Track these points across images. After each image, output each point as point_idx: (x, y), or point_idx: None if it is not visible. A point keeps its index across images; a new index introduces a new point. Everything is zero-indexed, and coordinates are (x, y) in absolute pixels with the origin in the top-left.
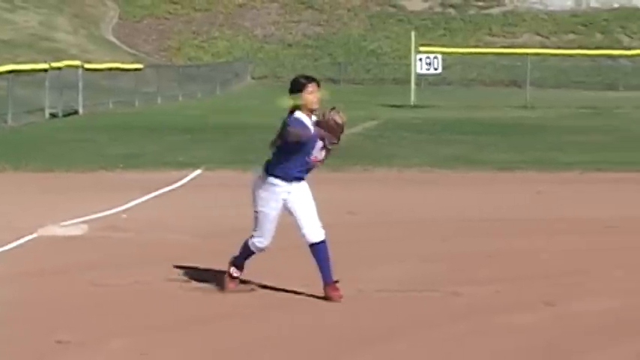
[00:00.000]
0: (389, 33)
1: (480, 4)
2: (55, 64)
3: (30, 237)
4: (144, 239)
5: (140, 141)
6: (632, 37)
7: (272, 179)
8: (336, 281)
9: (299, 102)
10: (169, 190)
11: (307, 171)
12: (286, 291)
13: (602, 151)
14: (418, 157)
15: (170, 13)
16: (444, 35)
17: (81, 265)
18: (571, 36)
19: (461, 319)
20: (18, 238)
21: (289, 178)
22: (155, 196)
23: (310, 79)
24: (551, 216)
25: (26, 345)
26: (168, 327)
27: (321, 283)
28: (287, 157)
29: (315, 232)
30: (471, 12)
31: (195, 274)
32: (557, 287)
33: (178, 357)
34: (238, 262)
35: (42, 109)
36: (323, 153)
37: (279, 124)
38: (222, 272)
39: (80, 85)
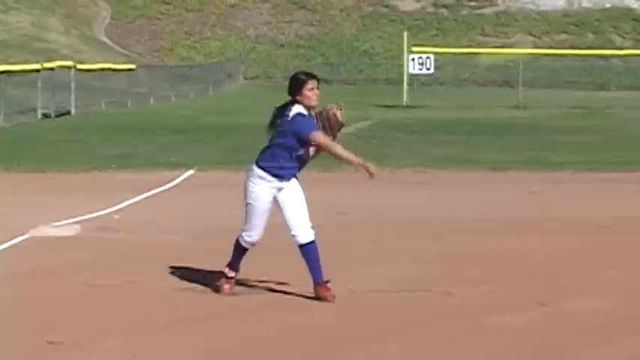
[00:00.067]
0: (381, 33)
1: (473, 4)
2: (47, 65)
3: (22, 237)
4: (136, 240)
5: (132, 141)
6: (624, 37)
7: (263, 173)
8: (327, 281)
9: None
10: (162, 191)
11: (299, 167)
12: (278, 291)
13: (593, 151)
14: (411, 158)
15: (162, 13)
16: (437, 35)
17: (73, 265)
18: (563, 36)
19: (453, 319)
20: (10, 239)
21: (281, 173)
22: (147, 197)
23: (310, 76)
24: (543, 216)
25: (18, 346)
26: (161, 327)
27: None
28: (280, 151)
29: (305, 233)
30: (464, 12)
31: (188, 274)
32: (549, 287)
33: (170, 357)
34: (233, 262)
35: (34, 110)
36: (314, 148)
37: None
38: (215, 272)
39: (72, 85)
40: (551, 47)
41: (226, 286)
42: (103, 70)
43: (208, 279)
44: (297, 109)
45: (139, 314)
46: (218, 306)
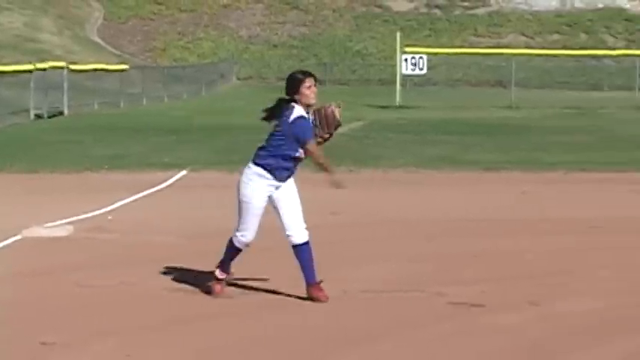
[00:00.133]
0: (374, 34)
1: (465, 4)
2: (39, 65)
3: (15, 238)
4: (129, 240)
5: (125, 142)
6: (616, 38)
7: (262, 171)
8: (320, 281)
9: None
10: (155, 191)
11: (295, 166)
12: (271, 291)
13: (586, 152)
14: (403, 158)
15: (155, 13)
16: (430, 36)
17: (66, 266)
18: (555, 36)
19: (446, 319)
20: (3, 240)
21: (279, 173)
22: (140, 197)
23: (307, 74)
24: (535, 216)
25: (11, 346)
26: (154, 327)
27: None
28: (278, 151)
29: (299, 234)
30: (457, 12)
31: (181, 275)
32: (541, 287)
33: (163, 357)
34: (224, 263)
35: (27, 110)
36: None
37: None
38: (208, 273)
39: (65, 86)
40: (543, 47)
41: (217, 287)
42: (95, 70)
43: (201, 279)
44: (298, 111)
45: (131, 315)
46: (211, 306)
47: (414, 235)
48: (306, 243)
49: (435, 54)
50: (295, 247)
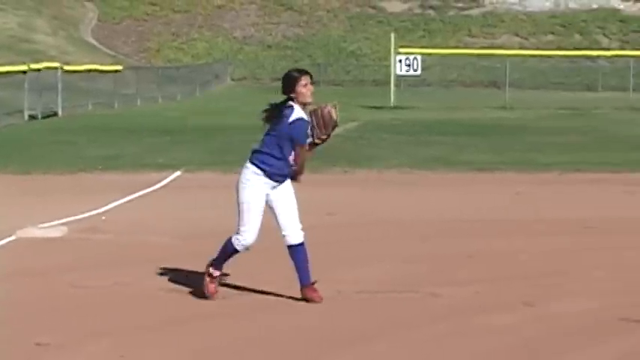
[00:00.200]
0: (368, 34)
1: (460, 5)
2: (33, 66)
3: (9, 239)
4: (123, 241)
5: (119, 143)
6: (610, 38)
7: (259, 171)
8: (314, 282)
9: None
10: (149, 192)
11: (290, 166)
12: (266, 292)
13: (580, 152)
14: (398, 159)
15: (149, 14)
16: (424, 36)
17: (60, 266)
18: (550, 37)
19: (440, 319)
20: None
21: (275, 174)
22: (135, 198)
23: (303, 72)
24: (530, 217)
25: (5, 347)
26: (148, 328)
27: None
28: (274, 152)
29: (295, 234)
30: (451, 13)
31: (175, 275)
32: (536, 288)
33: (158, 358)
34: (219, 262)
35: (21, 111)
36: (307, 147)
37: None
38: (202, 273)
39: (59, 86)
40: (537, 48)
41: (212, 287)
42: (89, 71)
43: (195, 280)
44: (297, 112)
45: (126, 315)
46: (205, 307)
47: (409, 235)
48: (302, 244)
49: (429, 55)
50: (290, 247)
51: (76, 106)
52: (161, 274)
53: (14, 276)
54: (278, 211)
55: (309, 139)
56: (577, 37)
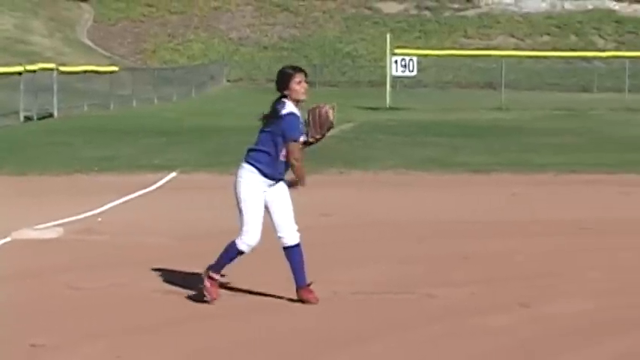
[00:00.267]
0: (364, 35)
1: (455, 6)
2: (29, 67)
3: (4, 240)
4: (119, 242)
5: (115, 144)
6: (606, 39)
7: (254, 169)
8: (310, 283)
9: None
10: (145, 193)
11: (285, 165)
12: (261, 294)
13: (576, 153)
14: (393, 160)
15: (145, 15)
16: (420, 37)
17: (56, 268)
18: (545, 38)
19: (436, 320)
20: None
21: (270, 173)
22: (130, 199)
23: (297, 69)
24: (526, 218)
25: (0, 348)
26: (144, 329)
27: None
28: (268, 150)
29: (291, 236)
30: (446, 14)
31: (171, 276)
32: (532, 289)
33: (154, 359)
34: (221, 266)
35: (16, 112)
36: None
37: (255, 126)
38: (199, 275)
39: (55, 87)
40: (533, 49)
41: (213, 291)
42: (85, 72)
43: (192, 281)
44: (289, 107)
45: (122, 316)
46: (201, 308)
47: (405, 236)
48: (298, 245)
49: (425, 56)
50: (286, 249)
51: (71, 107)
52: (157, 275)
53: (10, 277)
54: (273, 211)
55: (303, 137)
56: (573, 38)
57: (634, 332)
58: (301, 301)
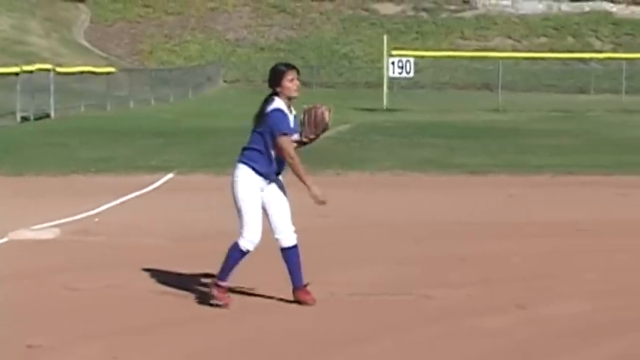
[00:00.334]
0: (361, 36)
1: (452, 7)
2: (26, 68)
3: (1, 241)
4: (116, 243)
5: (112, 145)
6: (603, 41)
7: (245, 167)
8: (306, 284)
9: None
10: (141, 194)
11: (279, 162)
12: (258, 295)
13: (573, 154)
14: (390, 161)
15: (142, 16)
16: (417, 39)
17: (52, 268)
18: (542, 39)
19: (433, 322)
20: None
21: (264, 172)
22: (127, 200)
23: (290, 67)
24: (522, 219)
25: None
26: (140, 330)
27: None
28: (260, 148)
29: (288, 237)
30: (443, 15)
31: (168, 277)
32: (528, 290)
33: None
34: (228, 271)
35: (13, 113)
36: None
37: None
38: (196, 275)
39: (52, 88)
40: (530, 50)
41: (223, 296)
42: (82, 73)
43: (188, 282)
44: (276, 103)
45: (118, 317)
46: (198, 309)
47: (401, 238)
48: (295, 246)
49: (422, 57)
50: (284, 250)
51: (68, 108)
52: (154, 276)
53: (6, 278)
54: (271, 212)
55: (296, 136)
56: (570, 39)
57: (631, 334)
58: (298, 302)
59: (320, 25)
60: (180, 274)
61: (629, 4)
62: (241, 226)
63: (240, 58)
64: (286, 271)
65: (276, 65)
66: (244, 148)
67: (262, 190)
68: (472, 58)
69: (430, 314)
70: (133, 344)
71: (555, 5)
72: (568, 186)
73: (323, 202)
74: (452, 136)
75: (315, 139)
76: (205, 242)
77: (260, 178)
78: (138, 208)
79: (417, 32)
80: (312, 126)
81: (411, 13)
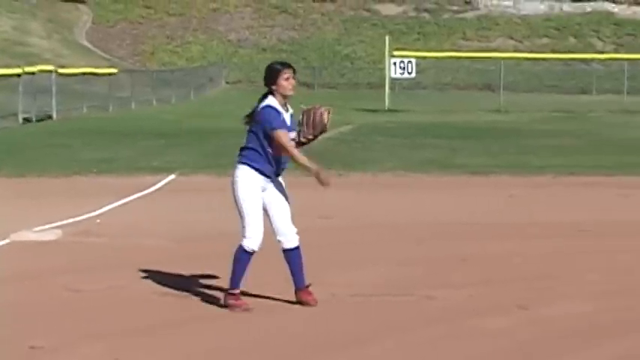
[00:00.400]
0: (363, 37)
1: (454, 8)
2: (28, 69)
3: (3, 242)
4: (118, 244)
5: (114, 146)
6: (604, 41)
7: (244, 167)
8: (308, 285)
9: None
10: (143, 195)
11: (279, 164)
12: (259, 295)
13: (574, 155)
14: (392, 161)
15: (143, 17)
16: (418, 39)
17: (54, 270)
18: (544, 40)
19: (435, 322)
20: None
21: (262, 170)
22: (129, 201)
23: (286, 65)
24: (524, 220)
25: None
26: (142, 331)
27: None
28: (253, 143)
29: (290, 238)
30: (445, 16)
31: (170, 278)
32: (530, 291)
33: None
34: (239, 278)
35: (15, 114)
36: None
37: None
38: (198, 276)
39: (54, 89)
40: (532, 51)
41: (238, 302)
42: (84, 74)
43: (190, 283)
44: (268, 101)
45: (120, 318)
46: (200, 310)
47: (403, 238)
48: (297, 247)
49: (424, 58)
50: (286, 251)
51: (70, 109)
52: (156, 277)
53: (8, 279)
54: (272, 214)
55: (293, 134)
56: (571, 40)
57: (632, 334)
58: (300, 302)
59: (322, 26)
60: (182, 276)
61: (630, 4)
62: (243, 227)
63: (242, 59)
64: (288, 272)
65: (272, 63)
66: (242, 148)
67: (263, 191)
68: (474, 58)
69: (432, 315)
70: (135, 345)
71: (557, 6)
72: (570, 187)
73: (328, 184)
74: (453, 137)
75: (313, 139)
76: (207, 243)
77: (261, 177)
78: (140, 209)
79: (418, 33)
80: (311, 127)
81: (412, 13)
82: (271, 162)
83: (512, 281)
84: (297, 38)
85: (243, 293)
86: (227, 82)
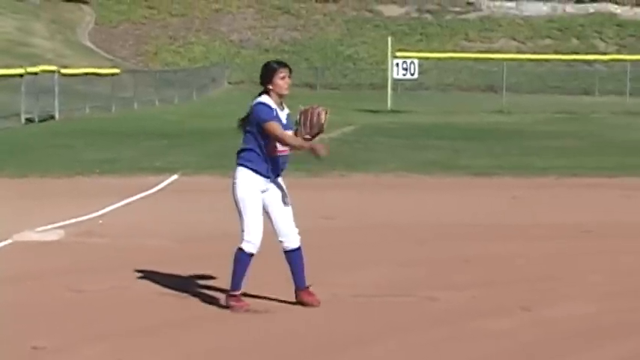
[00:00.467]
0: (366, 38)
1: (457, 9)
2: (31, 69)
3: (5, 242)
4: (120, 244)
5: (116, 146)
6: (607, 43)
7: (243, 168)
8: (309, 286)
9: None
10: (146, 196)
11: (278, 164)
12: (261, 296)
13: (577, 156)
14: (394, 162)
15: (146, 18)
16: (421, 40)
17: (57, 270)
18: (547, 41)
19: (437, 324)
20: None
21: (260, 170)
22: (131, 202)
23: (282, 64)
24: (527, 221)
25: (2, 351)
26: (145, 332)
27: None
28: (250, 143)
29: (292, 239)
30: (448, 17)
31: (172, 279)
32: (533, 292)
33: None
34: (240, 280)
35: (18, 115)
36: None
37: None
38: (201, 277)
39: (56, 90)
40: (535, 52)
41: (240, 304)
42: (87, 74)
43: (193, 284)
44: (261, 98)
45: (123, 319)
46: (202, 310)
47: (406, 239)
48: (299, 248)
49: (426, 58)
50: (287, 252)
51: (73, 110)
52: (158, 277)
53: (11, 280)
54: (273, 215)
55: (290, 133)
56: (574, 41)
57: (636, 336)
58: (301, 303)
59: (324, 27)
60: (184, 276)
61: (633, 5)
62: (242, 229)
63: (244, 60)
64: (289, 272)
65: (268, 63)
66: (240, 150)
67: (263, 192)
68: (476, 59)
69: (434, 316)
70: (138, 346)
71: (560, 7)
72: (572, 188)
73: (327, 154)
74: (456, 138)
75: (310, 140)
76: (210, 244)
77: (260, 179)
78: (142, 209)
79: (421, 34)
80: (308, 127)
81: (415, 14)
82: (270, 162)
83: (515, 282)
84: (300, 39)
85: (244, 294)
86: (229, 83)
